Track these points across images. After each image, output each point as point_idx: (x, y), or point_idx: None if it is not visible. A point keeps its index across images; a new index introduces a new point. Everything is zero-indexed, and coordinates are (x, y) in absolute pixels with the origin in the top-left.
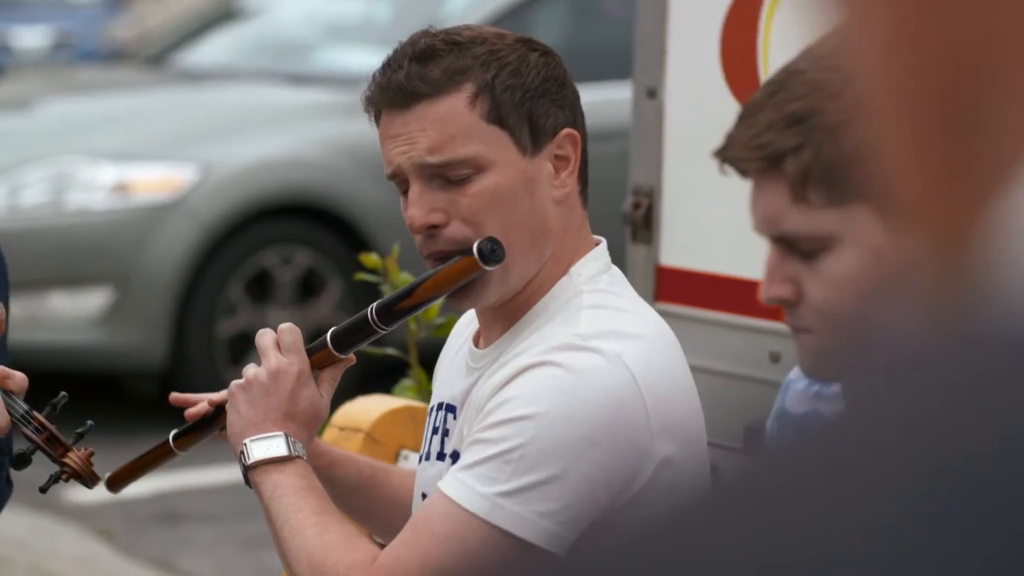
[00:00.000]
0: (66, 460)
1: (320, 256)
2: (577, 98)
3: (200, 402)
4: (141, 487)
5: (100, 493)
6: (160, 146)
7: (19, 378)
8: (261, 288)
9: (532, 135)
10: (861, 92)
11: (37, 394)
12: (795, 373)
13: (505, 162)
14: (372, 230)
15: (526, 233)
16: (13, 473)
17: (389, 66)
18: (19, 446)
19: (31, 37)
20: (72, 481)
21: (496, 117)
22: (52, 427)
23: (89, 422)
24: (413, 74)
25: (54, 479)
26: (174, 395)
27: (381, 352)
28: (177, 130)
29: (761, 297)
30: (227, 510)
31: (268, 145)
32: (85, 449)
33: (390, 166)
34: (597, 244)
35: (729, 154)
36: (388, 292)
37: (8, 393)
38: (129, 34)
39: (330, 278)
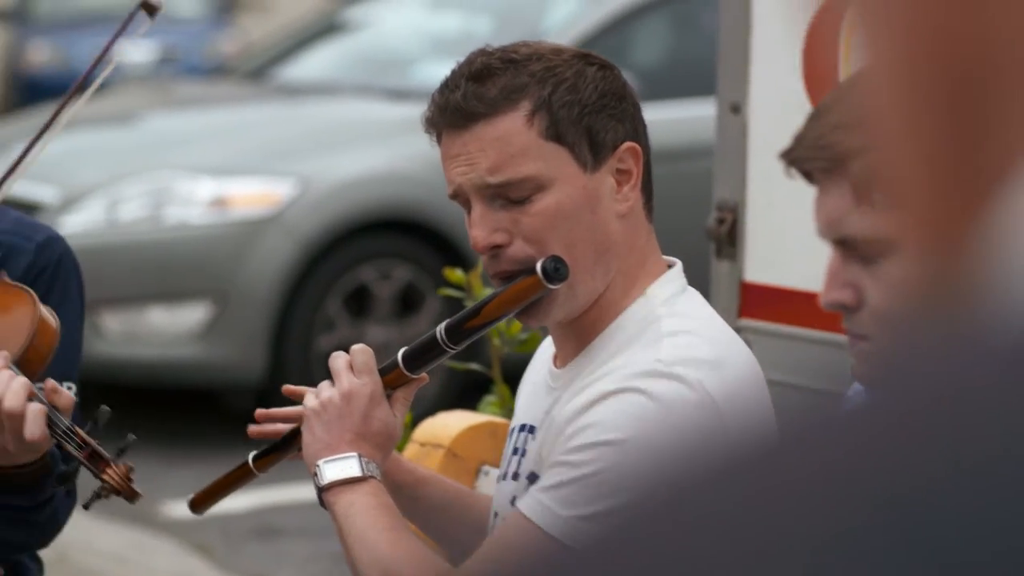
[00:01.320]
0: (105, 477)
1: (418, 271)
2: (638, 110)
3: (278, 416)
4: (238, 502)
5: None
6: (258, 160)
7: (66, 395)
8: (359, 303)
9: (592, 150)
10: (867, 94)
11: (135, 407)
12: (854, 389)
13: (565, 179)
14: (469, 245)
15: (590, 249)
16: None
17: (447, 86)
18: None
19: (137, 52)
20: (114, 496)
21: (555, 134)
22: (94, 443)
23: (131, 436)
24: (470, 94)
25: (95, 496)
26: (252, 429)
27: (464, 368)
28: (276, 144)
29: (821, 302)
30: (323, 525)
31: (367, 160)
32: (125, 465)
33: (452, 186)
34: (670, 265)
35: (795, 154)
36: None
37: (54, 408)
38: (233, 48)
39: (428, 293)
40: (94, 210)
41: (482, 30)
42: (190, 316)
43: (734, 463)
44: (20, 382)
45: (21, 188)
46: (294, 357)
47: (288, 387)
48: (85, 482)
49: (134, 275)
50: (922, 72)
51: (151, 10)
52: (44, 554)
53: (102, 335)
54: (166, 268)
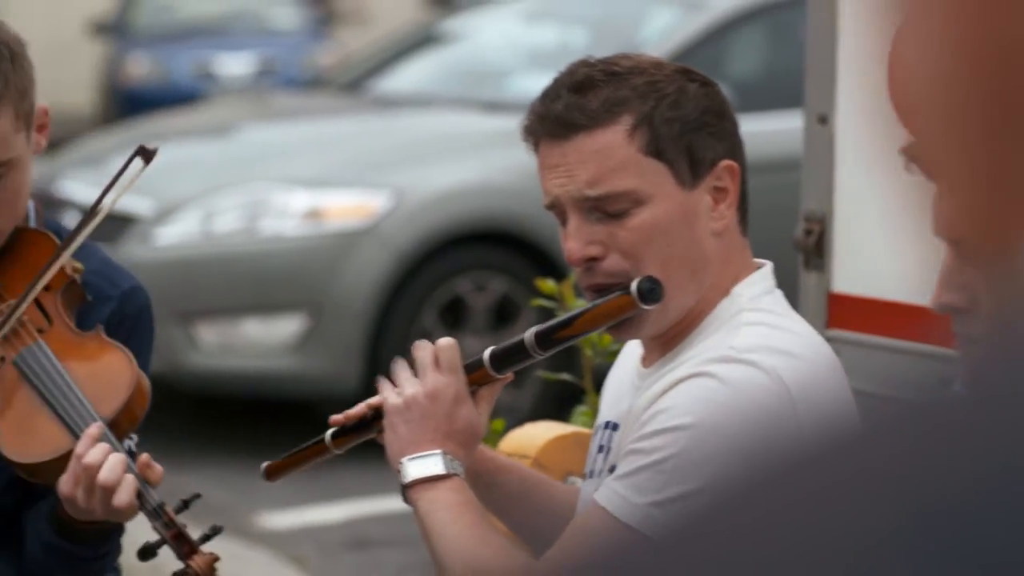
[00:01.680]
0: (191, 562)
1: (514, 283)
2: (736, 128)
3: (354, 416)
4: (331, 514)
5: (292, 518)
6: (353, 172)
7: (158, 470)
8: (455, 315)
9: (691, 168)
10: (914, 98)
11: (231, 419)
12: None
13: (663, 195)
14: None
15: (684, 266)
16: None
17: (547, 96)
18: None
19: (235, 64)
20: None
21: (655, 150)
22: (181, 525)
23: (218, 526)
24: (571, 105)
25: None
26: (335, 418)
27: (556, 378)
28: (371, 156)
29: (932, 304)
30: (416, 535)
31: (461, 172)
32: (211, 554)
33: (548, 197)
34: (760, 267)
35: (917, 151)
36: None
37: (145, 483)
38: (331, 60)
39: (523, 305)
40: (189, 222)
41: (578, 42)
42: (285, 328)
43: (806, 456)
44: (118, 458)
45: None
46: (389, 369)
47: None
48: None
49: (229, 287)
50: (966, 77)
51: (147, 156)
52: (138, 565)
53: (197, 347)
54: (261, 280)
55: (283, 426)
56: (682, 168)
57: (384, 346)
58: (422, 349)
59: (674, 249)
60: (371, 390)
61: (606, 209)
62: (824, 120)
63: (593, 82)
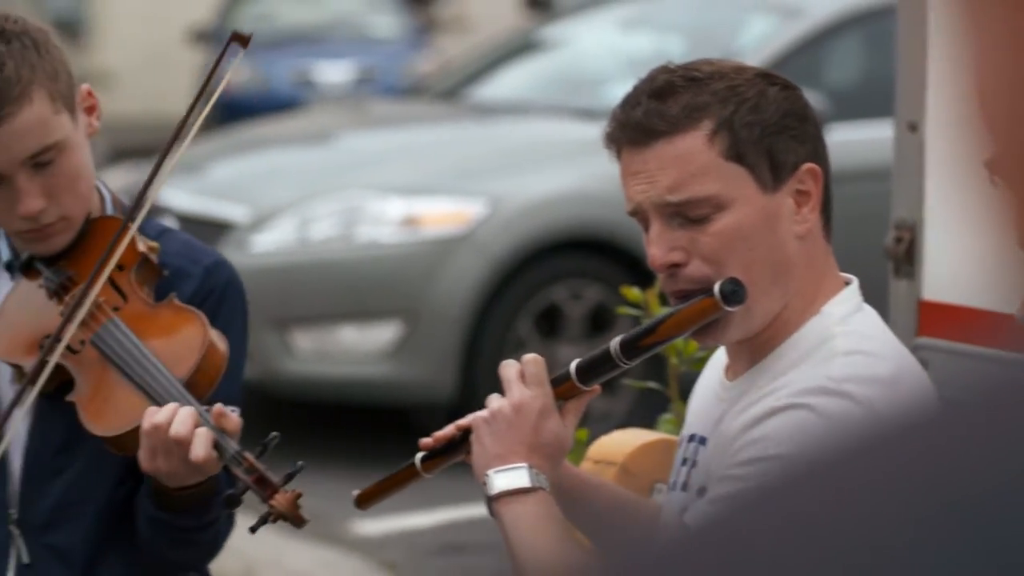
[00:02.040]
0: (273, 502)
1: (609, 291)
2: (819, 131)
3: (445, 437)
4: (422, 520)
5: (384, 525)
6: (449, 180)
7: (234, 419)
8: (550, 323)
9: (772, 171)
10: (997, 110)
11: (326, 426)
12: None
13: (745, 200)
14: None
15: (767, 270)
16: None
17: (628, 102)
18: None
19: (335, 72)
20: (281, 521)
21: (735, 154)
22: (262, 468)
23: (300, 463)
24: (651, 111)
25: (262, 520)
26: (424, 442)
27: (642, 386)
28: (467, 164)
29: (1017, 313)
30: None
31: (557, 180)
32: (293, 491)
33: (630, 203)
34: (847, 283)
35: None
36: None
37: (222, 433)
38: (430, 68)
39: (619, 313)
40: (285, 229)
41: (674, 49)
42: (381, 335)
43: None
44: (187, 411)
45: (212, 207)
46: (485, 376)
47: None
48: (254, 504)
49: (325, 294)
50: None
51: (243, 41)
52: (232, 569)
53: (293, 353)
54: (357, 287)
55: (378, 433)
56: (763, 172)
57: (479, 354)
58: (508, 367)
59: (756, 253)
60: (466, 397)
61: (688, 214)
62: (914, 128)
63: (673, 88)
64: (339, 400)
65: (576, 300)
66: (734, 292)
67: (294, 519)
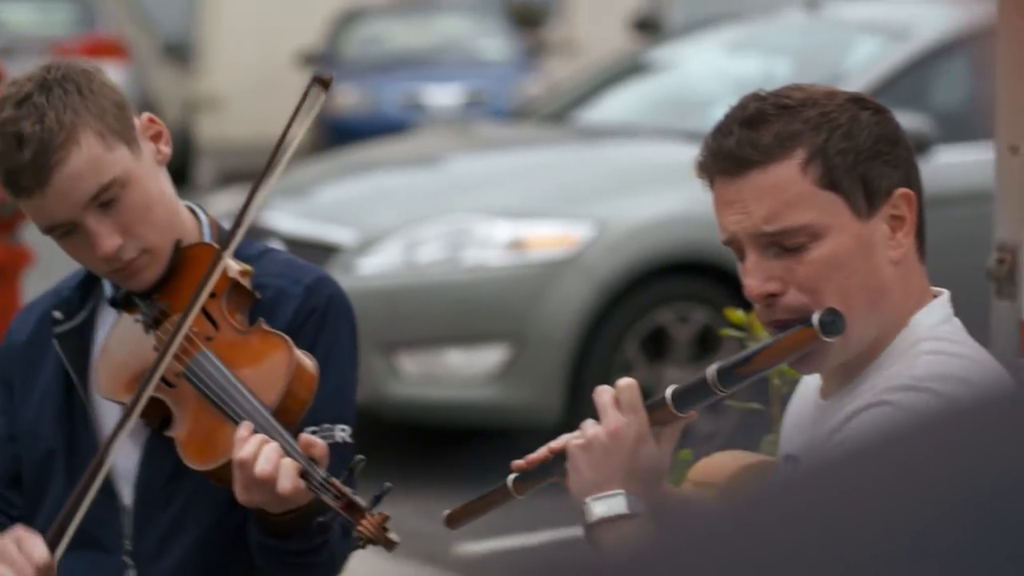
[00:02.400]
0: (361, 527)
1: (716, 314)
2: (911, 155)
3: (538, 460)
4: (530, 542)
5: (486, 546)
6: (556, 203)
7: (320, 446)
8: (657, 346)
9: (867, 198)
10: None
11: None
12: None
13: (840, 227)
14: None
15: (864, 297)
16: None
17: (720, 131)
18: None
19: (443, 95)
20: (370, 546)
21: (829, 182)
22: (349, 493)
23: (387, 485)
24: (744, 140)
25: (352, 545)
26: (517, 463)
27: (746, 407)
28: (573, 187)
29: None
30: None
31: (664, 202)
32: (380, 515)
33: (725, 233)
34: (937, 295)
35: None
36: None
37: (310, 460)
38: (538, 91)
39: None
40: (392, 252)
41: (782, 72)
42: (487, 358)
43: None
44: (271, 447)
45: (319, 230)
46: (591, 399)
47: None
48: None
49: (431, 317)
50: None
51: (325, 84)
52: None
53: (399, 377)
54: (463, 310)
55: (483, 456)
56: (858, 199)
57: (586, 376)
58: (603, 393)
59: (853, 280)
60: (572, 420)
61: (783, 244)
62: (1015, 150)
63: (764, 116)
64: (445, 423)
65: (683, 323)
66: (833, 323)
67: (383, 542)
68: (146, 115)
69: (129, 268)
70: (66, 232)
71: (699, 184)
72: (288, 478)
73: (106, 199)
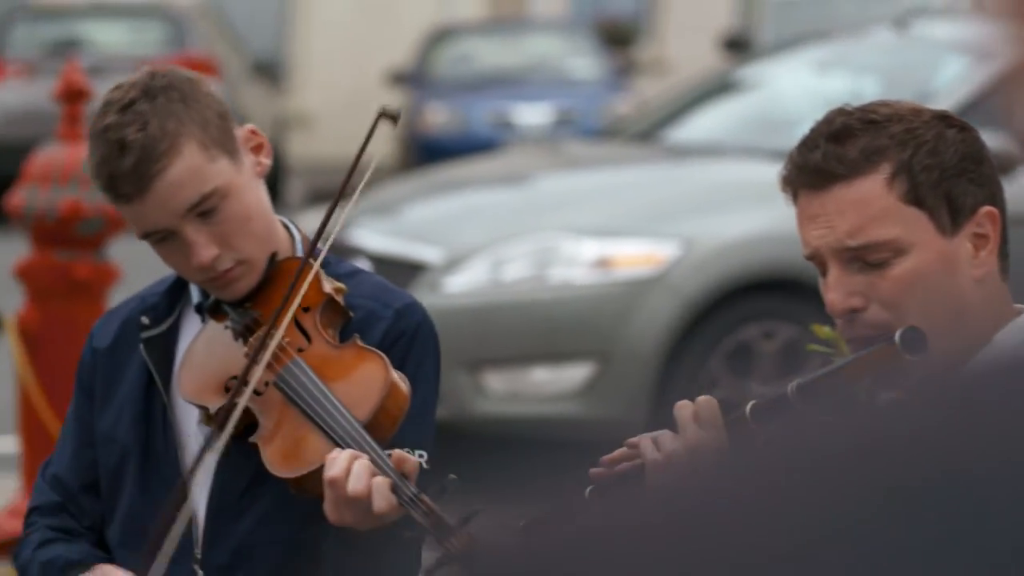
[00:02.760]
0: (449, 545)
1: (801, 331)
2: (995, 173)
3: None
4: None
5: None
6: (643, 221)
7: (411, 462)
8: (742, 362)
9: (951, 215)
10: None
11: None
12: None
13: (924, 244)
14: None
15: (946, 315)
16: None
17: (805, 145)
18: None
19: (533, 114)
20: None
21: (914, 198)
22: (439, 511)
23: (478, 507)
24: (829, 154)
25: (439, 563)
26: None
27: None
28: (660, 206)
29: None
30: None
31: (750, 221)
32: (468, 535)
33: (807, 247)
34: (1019, 314)
35: None
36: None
37: (401, 476)
38: (627, 110)
39: (811, 353)
40: (478, 270)
41: (870, 91)
42: (573, 375)
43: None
44: (361, 464)
45: (406, 248)
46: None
47: (630, 440)
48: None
49: (517, 335)
50: None
51: (393, 118)
52: None
53: (485, 394)
54: (549, 328)
55: (568, 472)
56: (942, 216)
57: (671, 393)
58: (683, 408)
59: (935, 298)
60: None
61: (867, 259)
62: None
63: (851, 131)
64: (530, 439)
65: (767, 339)
66: (915, 340)
67: None
68: (248, 126)
69: (224, 278)
70: (163, 238)
71: (785, 202)
72: (382, 497)
73: (205, 209)
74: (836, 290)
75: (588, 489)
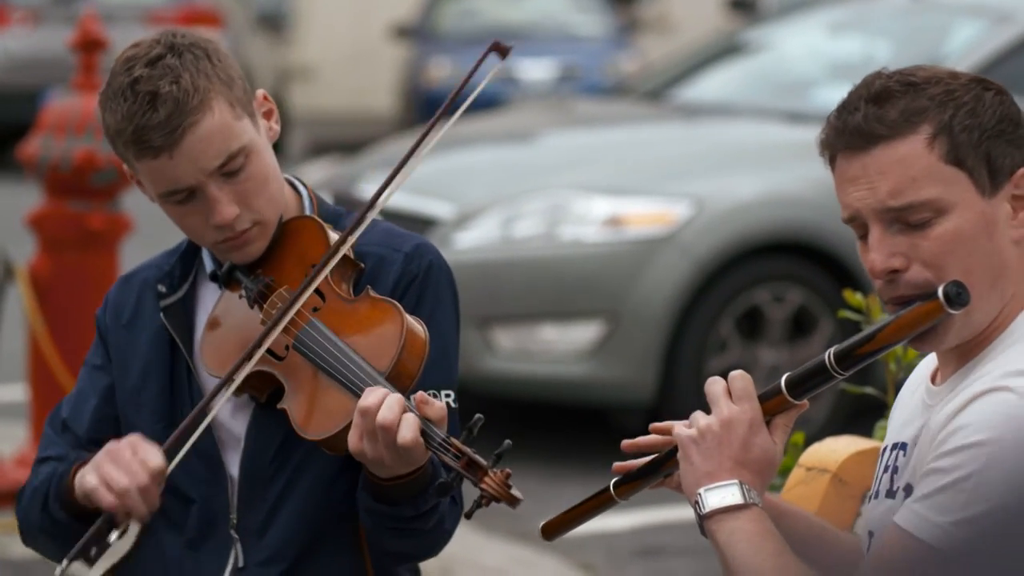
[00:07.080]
0: (484, 485)
1: (812, 295)
2: None
3: (646, 445)
4: (620, 521)
5: (582, 526)
6: (654, 180)
7: (437, 406)
8: (752, 325)
9: (990, 176)
10: None
11: (522, 423)
12: None
13: (964, 204)
14: (863, 269)
15: (986, 275)
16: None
17: (844, 108)
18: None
19: (537, 70)
20: (495, 504)
21: (955, 158)
22: (470, 452)
23: (507, 442)
24: (870, 116)
25: (476, 504)
26: (626, 443)
27: (860, 391)
28: (671, 165)
29: None
30: (707, 544)
31: (762, 182)
32: (502, 471)
33: (847, 210)
34: None
35: None
36: None
37: (427, 421)
38: (633, 68)
39: (821, 317)
40: (489, 227)
41: (881, 54)
42: (582, 334)
43: None
44: (395, 397)
45: (416, 203)
46: (685, 378)
47: (655, 425)
48: (468, 491)
49: (527, 292)
50: None
51: (503, 52)
52: (429, 566)
53: (493, 351)
54: (559, 286)
55: (575, 433)
56: (982, 176)
57: (680, 355)
58: (714, 383)
59: (975, 258)
60: (665, 398)
61: (908, 220)
62: None
63: (890, 93)
64: (538, 399)
65: (778, 303)
66: (958, 295)
67: (507, 499)
68: (260, 91)
69: (240, 239)
70: (183, 199)
71: (797, 164)
72: (409, 429)
73: (231, 168)
74: (878, 251)
75: (613, 482)
